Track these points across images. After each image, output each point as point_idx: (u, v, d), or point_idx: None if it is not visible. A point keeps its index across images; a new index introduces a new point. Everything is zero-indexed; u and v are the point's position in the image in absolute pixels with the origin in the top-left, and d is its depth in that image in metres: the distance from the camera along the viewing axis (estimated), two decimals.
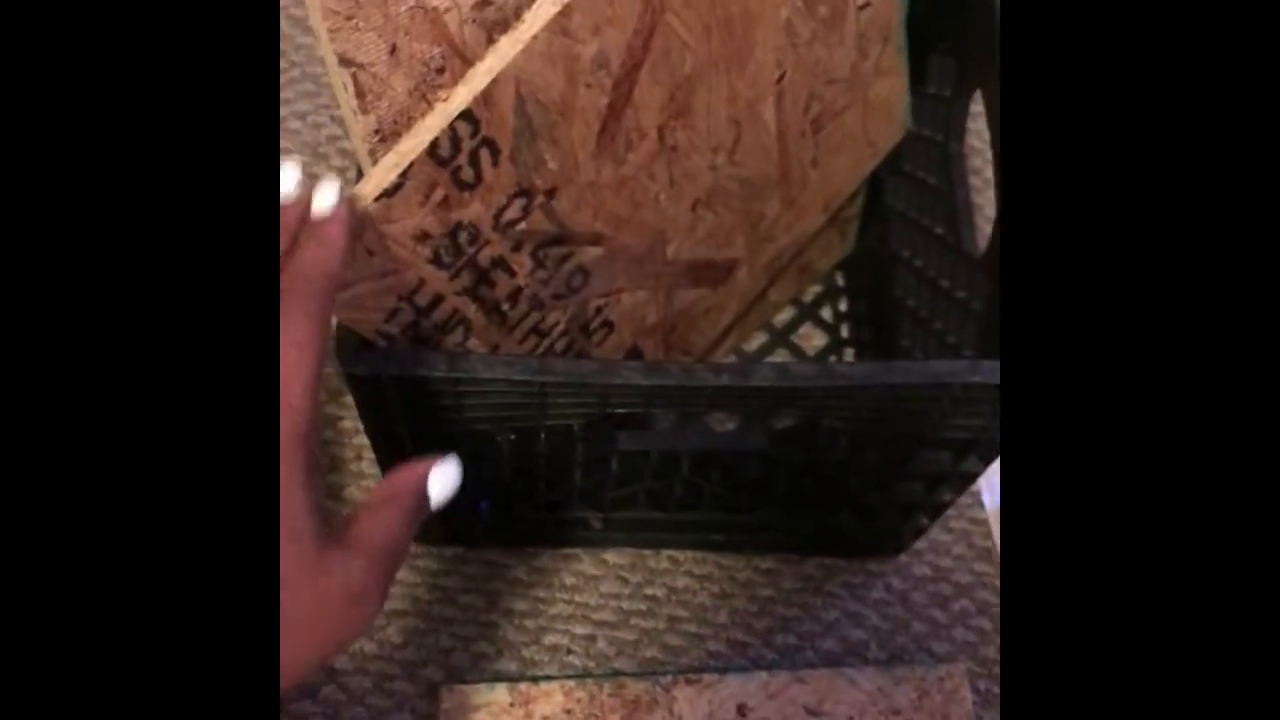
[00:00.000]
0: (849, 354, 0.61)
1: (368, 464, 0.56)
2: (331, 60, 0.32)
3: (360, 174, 0.34)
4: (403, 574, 0.54)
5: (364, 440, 0.57)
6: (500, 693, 0.50)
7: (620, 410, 0.39)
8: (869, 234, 0.59)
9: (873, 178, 0.54)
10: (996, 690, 0.52)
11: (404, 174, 0.33)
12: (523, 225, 0.38)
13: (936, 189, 0.50)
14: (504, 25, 0.34)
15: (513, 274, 0.39)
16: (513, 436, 0.41)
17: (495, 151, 0.35)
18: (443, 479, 0.31)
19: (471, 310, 0.39)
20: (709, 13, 0.37)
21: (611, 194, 0.40)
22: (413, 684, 0.51)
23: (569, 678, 0.51)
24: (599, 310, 0.44)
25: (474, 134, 0.34)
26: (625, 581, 0.54)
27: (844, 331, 0.61)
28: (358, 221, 0.33)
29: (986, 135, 0.44)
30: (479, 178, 0.35)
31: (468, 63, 0.34)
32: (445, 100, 0.34)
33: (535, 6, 0.33)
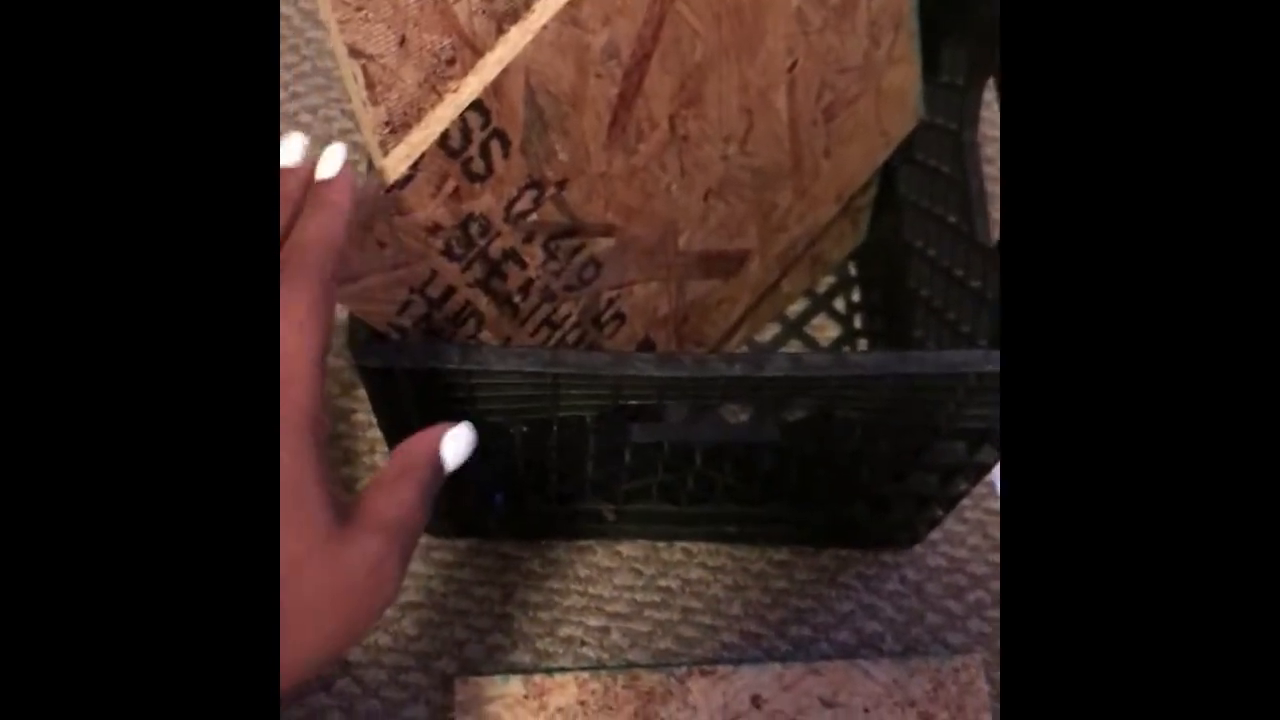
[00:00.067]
0: (862, 345, 0.60)
1: (381, 457, 0.57)
2: (341, 52, 0.32)
3: (371, 166, 0.34)
4: (417, 566, 0.54)
5: (378, 434, 0.57)
6: (515, 685, 0.50)
7: (633, 402, 0.39)
8: (882, 224, 0.59)
9: (885, 167, 0.54)
10: None
11: (415, 165, 0.33)
12: (534, 217, 0.38)
13: (950, 178, 0.49)
14: (514, 15, 0.34)
15: (524, 266, 0.39)
16: (525, 428, 0.41)
17: (506, 142, 0.35)
18: (456, 445, 0.30)
19: (483, 302, 0.39)
20: (719, 1, 0.37)
21: (623, 185, 0.40)
22: (427, 676, 0.51)
23: (583, 669, 0.51)
24: (611, 302, 0.44)
25: (484, 125, 0.34)
26: (639, 573, 0.54)
27: (857, 322, 0.61)
28: (369, 211, 0.33)
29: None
30: (490, 169, 0.35)
31: (478, 53, 0.34)
32: (455, 91, 0.33)
33: None
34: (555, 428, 0.41)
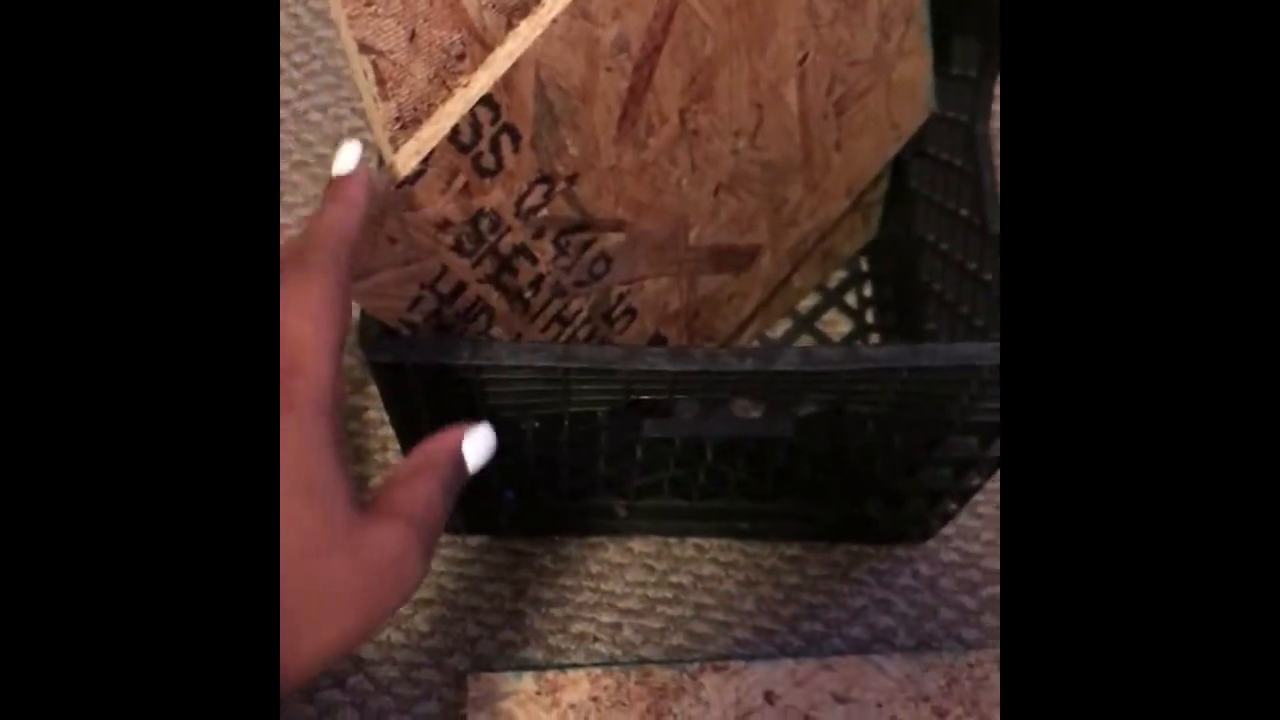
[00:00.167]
0: (874, 339, 0.60)
1: (393, 455, 0.57)
2: (351, 47, 0.32)
3: (381, 162, 0.34)
4: None
5: (389, 431, 0.57)
6: (527, 681, 0.50)
7: (645, 397, 0.39)
8: (893, 218, 0.59)
9: (896, 161, 0.54)
10: None
11: (425, 161, 0.33)
12: (544, 212, 0.38)
13: (962, 171, 0.49)
14: (523, 10, 0.34)
15: (535, 261, 0.39)
16: (537, 424, 0.41)
17: (516, 137, 0.35)
18: (477, 445, 0.30)
19: (494, 298, 0.39)
20: None
21: (633, 179, 0.40)
22: (440, 673, 0.51)
23: (596, 666, 0.51)
24: (621, 297, 0.44)
25: (495, 120, 0.34)
26: (651, 569, 0.54)
27: (869, 317, 0.61)
28: (380, 207, 0.33)
29: None
30: (500, 164, 0.35)
31: (487, 48, 0.34)
32: (465, 86, 0.33)
33: None
34: (566, 423, 0.41)
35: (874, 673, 0.50)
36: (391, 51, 0.32)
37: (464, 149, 0.34)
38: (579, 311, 0.43)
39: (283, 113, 0.66)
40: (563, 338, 0.43)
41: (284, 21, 0.69)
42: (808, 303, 0.61)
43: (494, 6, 0.33)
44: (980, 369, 0.37)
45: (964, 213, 0.49)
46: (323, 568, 0.25)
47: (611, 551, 0.55)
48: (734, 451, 0.46)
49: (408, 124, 0.34)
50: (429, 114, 0.34)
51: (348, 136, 0.65)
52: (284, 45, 0.68)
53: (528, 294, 0.40)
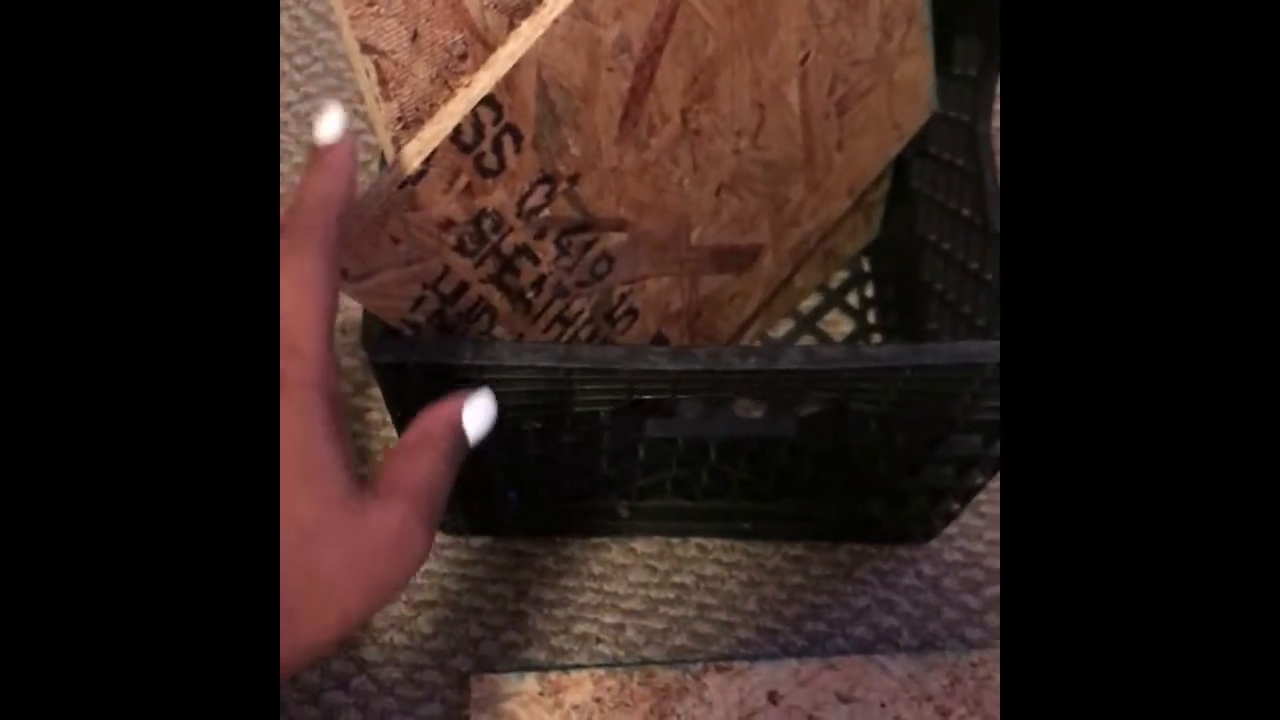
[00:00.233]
0: (876, 339, 0.60)
1: None
2: (353, 47, 0.32)
3: (384, 163, 0.34)
4: (431, 564, 0.54)
5: (392, 433, 0.57)
6: (530, 682, 0.50)
7: (647, 397, 0.39)
8: (895, 218, 0.59)
9: (898, 161, 0.54)
10: None
11: (427, 161, 0.33)
12: (546, 212, 0.38)
13: (964, 170, 0.49)
14: (525, 10, 0.34)
15: (537, 261, 0.39)
16: (539, 424, 0.41)
17: (518, 137, 0.35)
18: (477, 413, 0.29)
19: (496, 298, 0.39)
20: None
21: (634, 179, 0.40)
22: (443, 674, 0.51)
23: (598, 666, 0.51)
24: (623, 298, 0.44)
25: (497, 120, 0.34)
26: (654, 570, 0.54)
27: (871, 317, 0.61)
28: (383, 207, 0.33)
29: None
30: (502, 164, 0.35)
31: (489, 48, 0.34)
32: (467, 86, 0.33)
33: None
34: (569, 423, 0.41)
35: (877, 673, 0.50)
36: (394, 51, 0.32)
37: (466, 149, 0.34)
38: (581, 312, 0.43)
39: (284, 115, 0.66)
40: (565, 338, 0.43)
41: (285, 24, 0.69)
42: (809, 303, 0.61)
43: (496, 7, 0.33)
44: (983, 367, 0.37)
45: (966, 212, 0.49)
46: (322, 552, 0.24)
47: (614, 552, 0.55)
48: (736, 451, 0.46)
49: (410, 124, 0.34)
50: (431, 114, 0.34)
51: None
52: (285, 47, 0.68)
53: (530, 294, 0.40)
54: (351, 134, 0.28)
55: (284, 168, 0.64)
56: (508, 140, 0.34)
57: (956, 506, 0.50)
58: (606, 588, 0.54)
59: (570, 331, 0.43)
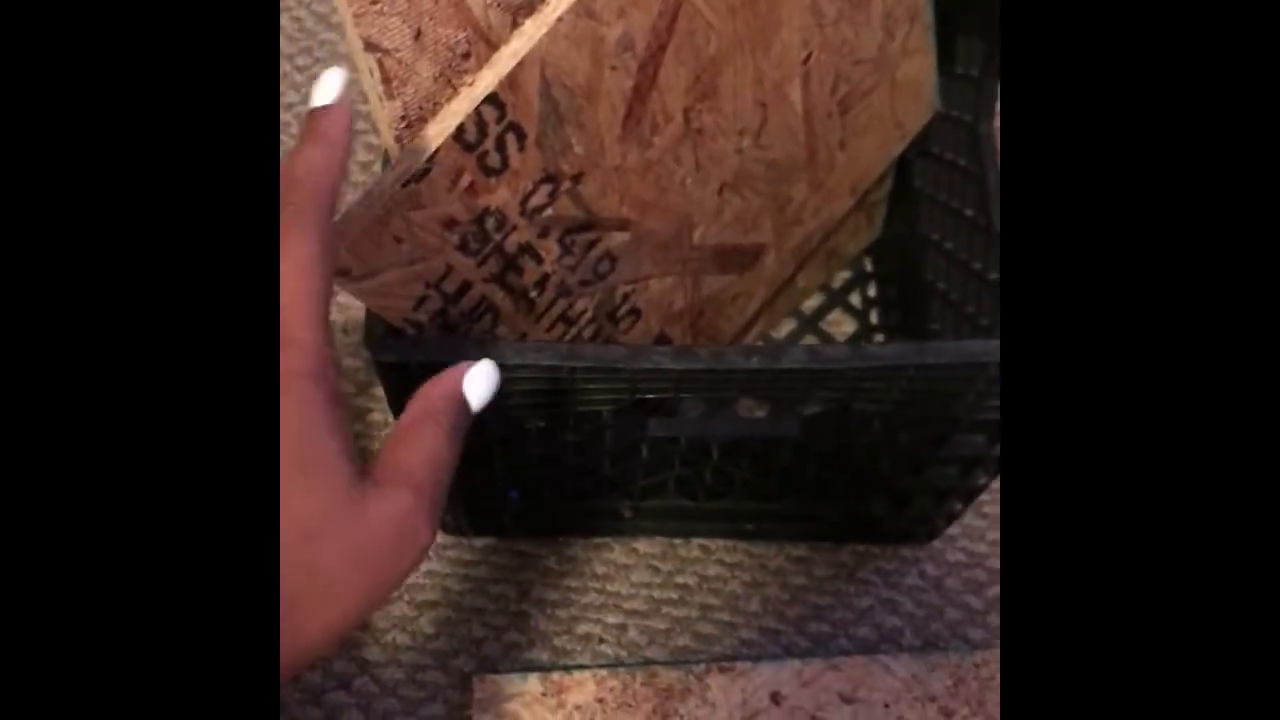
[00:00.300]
0: (879, 339, 0.60)
1: None
2: (357, 46, 0.32)
3: (387, 162, 0.34)
4: (433, 565, 0.54)
5: None
6: (533, 682, 0.50)
7: (650, 396, 0.39)
8: (897, 218, 0.59)
9: (901, 161, 0.54)
10: None
11: (431, 159, 0.33)
12: (549, 211, 0.38)
13: (966, 170, 0.49)
14: (528, 8, 0.34)
15: (540, 261, 0.39)
16: (542, 424, 0.41)
17: (521, 136, 0.35)
18: (479, 381, 0.28)
19: (499, 297, 0.39)
20: None
21: (638, 178, 0.40)
22: (445, 674, 0.51)
23: (601, 667, 0.51)
24: (626, 297, 0.44)
25: (500, 119, 0.34)
26: (656, 570, 0.54)
27: (873, 317, 0.61)
28: (386, 206, 0.33)
29: None
30: (505, 163, 0.35)
31: (492, 47, 0.34)
32: (471, 85, 0.33)
33: None
34: (572, 423, 0.41)
35: (880, 673, 0.50)
36: (397, 50, 0.32)
37: (469, 148, 0.34)
38: (584, 311, 0.43)
39: (286, 116, 0.66)
40: (568, 337, 0.43)
41: (287, 25, 0.69)
42: (812, 303, 0.61)
43: (499, 5, 0.33)
44: (986, 366, 0.37)
45: (968, 212, 0.49)
46: (322, 547, 0.24)
47: (617, 552, 0.55)
48: (739, 451, 0.46)
49: (413, 123, 0.34)
50: (434, 113, 0.34)
51: (352, 140, 0.66)
52: (287, 49, 0.68)
53: (533, 293, 0.40)
54: (349, 97, 0.27)
55: None
56: (511, 139, 0.34)
57: (960, 507, 0.50)
58: (609, 588, 0.54)
59: (573, 331, 0.43)
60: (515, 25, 0.34)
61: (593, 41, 0.34)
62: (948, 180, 0.52)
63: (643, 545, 0.55)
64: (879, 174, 0.52)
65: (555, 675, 0.50)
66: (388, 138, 0.34)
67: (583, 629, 0.53)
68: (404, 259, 0.34)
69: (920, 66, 0.48)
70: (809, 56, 0.42)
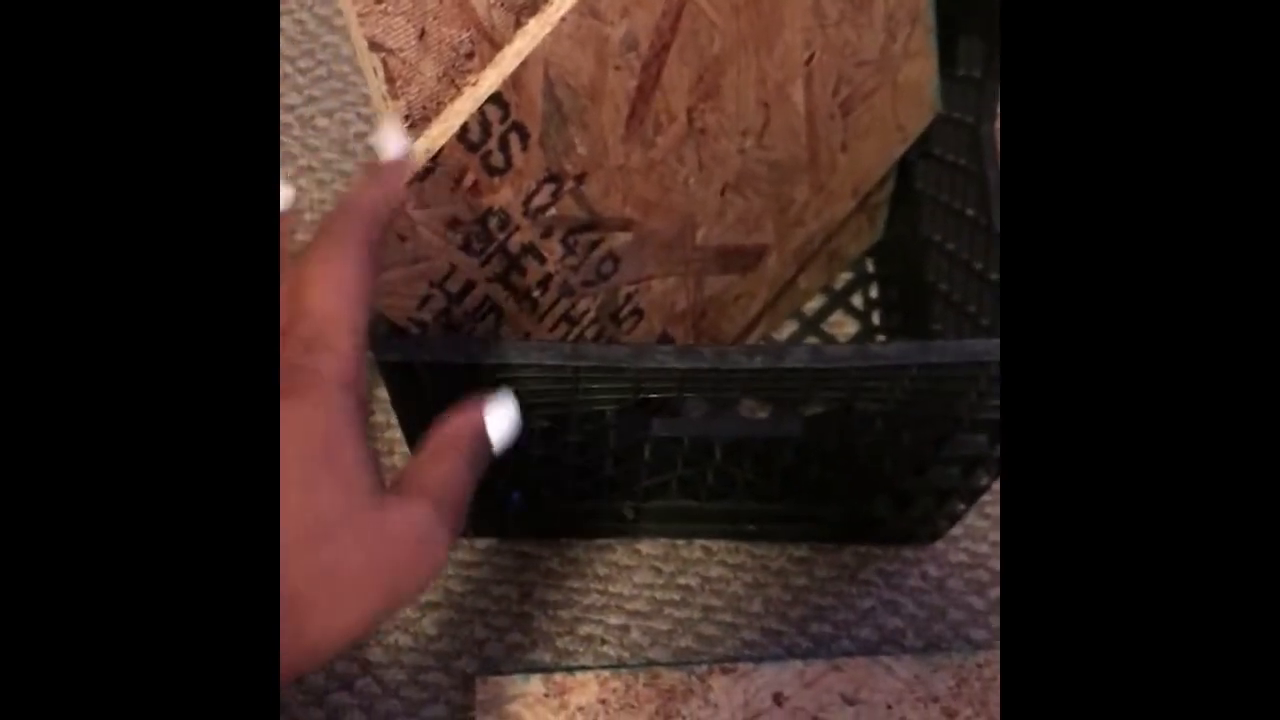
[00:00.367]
0: (880, 341, 0.60)
1: (400, 459, 0.57)
2: (361, 45, 0.32)
3: None
4: None
5: (396, 434, 0.57)
6: (535, 684, 0.50)
7: (653, 395, 0.39)
8: (899, 219, 0.59)
9: (902, 162, 0.54)
10: None
11: (434, 159, 0.33)
12: (553, 211, 0.38)
13: (967, 171, 0.49)
14: (532, 8, 0.34)
15: (543, 260, 0.39)
16: (545, 424, 0.41)
17: (525, 136, 0.35)
18: (500, 418, 0.28)
19: (502, 297, 0.39)
20: None
21: (641, 178, 0.40)
22: (447, 676, 0.51)
23: (604, 668, 0.51)
24: (629, 298, 0.44)
25: (503, 118, 0.34)
26: (658, 571, 0.54)
27: (875, 318, 0.61)
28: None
29: None
30: (509, 163, 0.35)
31: (496, 46, 0.34)
32: (474, 85, 0.34)
33: None
34: (575, 423, 0.41)
35: (883, 674, 0.50)
36: (401, 49, 0.32)
37: (473, 147, 0.34)
38: (586, 312, 0.43)
39: (288, 118, 0.66)
40: (570, 338, 0.43)
41: (289, 27, 0.69)
42: (814, 304, 0.61)
43: (503, 5, 0.34)
44: (988, 365, 0.37)
45: (970, 213, 0.49)
46: (341, 548, 0.24)
47: (619, 553, 0.55)
48: (742, 451, 0.46)
49: (417, 122, 0.34)
50: (438, 112, 0.34)
51: (353, 142, 0.66)
52: (289, 51, 0.68)
53: (536, 293, 0.40)
54: (409, 153, 0.30)
55: (287, 170, 0.64)
56: (514, 139, 0.34)
57: (962, 507, 0.50)
58: (611, 589, 0.54)
59: (576, 331, 0.43)
60: (519, 25, 0.34)
61: (596, 41, 0.34)
62: (949, 181, 0.52)
63: (645, 546, 0.55)
64: (881, 175, 0.52)
65: (558, 676, 0.50)
66: None
67: (585, 630, 0.53)
68: (407, 258, 0.35)
69: (922, 68, 0.48)
70: (811, 58, 0.42)
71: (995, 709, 0.50)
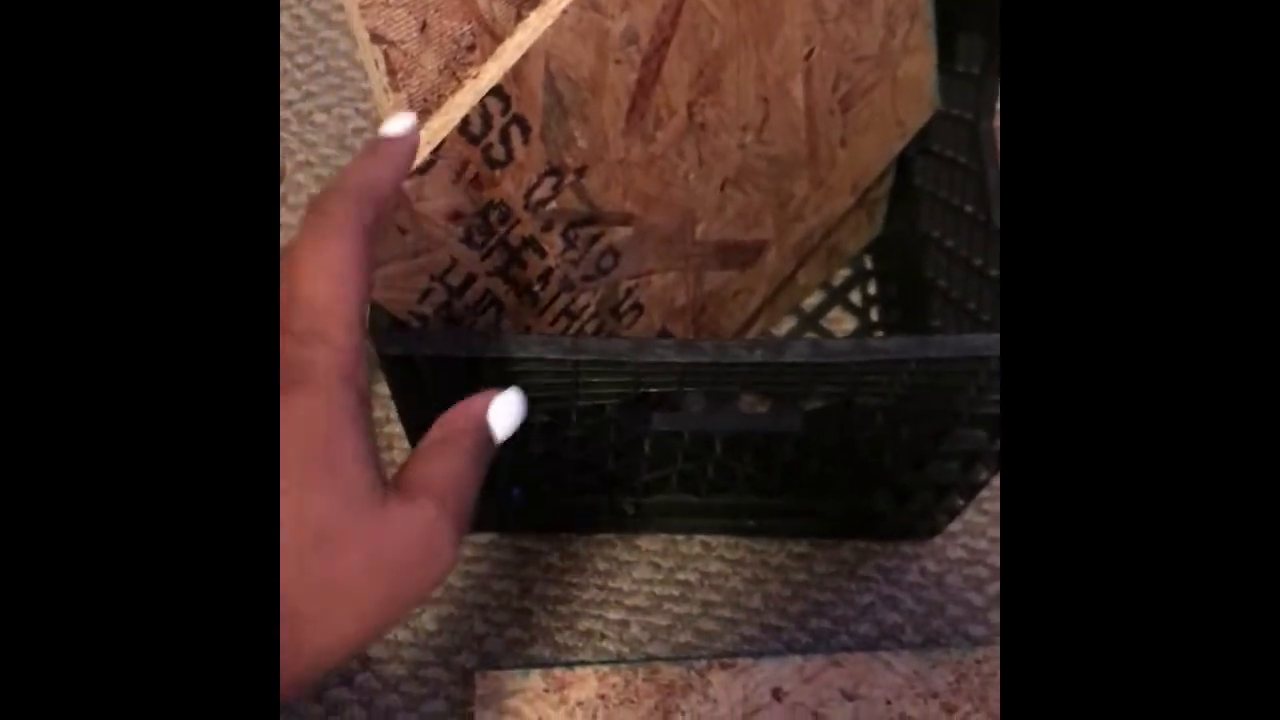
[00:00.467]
0: (879, 336, 0.60)
1: (400, 453, 0.57)
2: (363, 37, 0.32)
3: None
4: None
5: (395, 429, 0.57)
6: (535, 679, 0.50)
7: (653, 390, 0.39)
8: (898, 215, 0.59)
9: (900, 159, 0.54)
10: None
11: (435, 152, 0.33)
12: (553, 204, 0.38)
13: (966, 168, 0.49)
14: (533, 1, 0.34)
15: (543, 254, 0.39)
16: (545, 418, 0.41)
17: (526, 129, 0.35)
18: (505, 410, 0.27)
19: (503, 291, 0.39)
20: None
21: (641, 173, 0.40)
22: (447, 670, 0.51)
23: (603, 663, 0.51)
24: (629, 292, 0.44)
25: (505, 111, 0.34)
26: (658, 567, 0.54)
27: (874, 315, 0.61)
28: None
29: None
30: (510, 155, 0.35)
31: (497, 39, 0.34)
32: (475, 77, 0.34)
33: None
34: (575, 417, 0.41)
35: (882, 669, 0.50)
36: (403, 42, 0.32)
37: (474, 140, 0.34)
38: (586, 306, 0.43)
39: (286, 114, 0.66)
40: (570, 332, 0.43)
41: (287, 22, 0.69)
42: (812, 300, 0.61)
43: None
44: (988, 360, 0.37)
45: (969, 209, 0.49)
46: (341, 552, 0.23)
47: (618, 549, 0.55)
48: (742, 446, 0.46)
49: (418, 115, 0.34)
50: (439, 105, 0.34)
51: (352, 137, 0.66)
52: (287, 46, 0.68)
53: (536, 287, 0.40)
54: (416, 133, 0.27)
55: (286, 165, 0.64)
56: (515, 131, 0.34)
57: (961, 502, 0.51)
58: (611, 584, 0.54)
59: (576, 326, 0.43)
60: (520, 18, 0.34)
61: (597, 34, 0.34)
62: (948, 177, 0.52)
63: (644, 542, 0.55)
64: (880, 171, 0.52)
65: (557, 671, 0.50)
66: None
67: (584, 625, 0.53)
68: (408, 251, 0.35)
69: (921, 64, 0.48)
70: (811, 53, 0.42)
71: (994, 704, 0.50)
